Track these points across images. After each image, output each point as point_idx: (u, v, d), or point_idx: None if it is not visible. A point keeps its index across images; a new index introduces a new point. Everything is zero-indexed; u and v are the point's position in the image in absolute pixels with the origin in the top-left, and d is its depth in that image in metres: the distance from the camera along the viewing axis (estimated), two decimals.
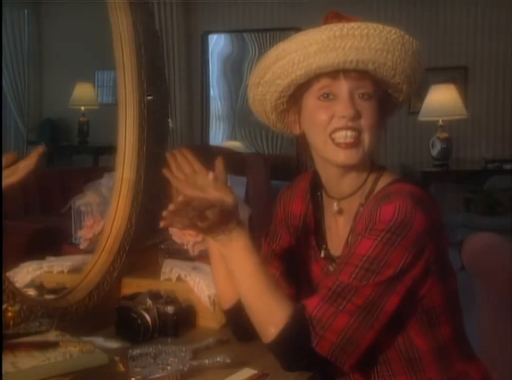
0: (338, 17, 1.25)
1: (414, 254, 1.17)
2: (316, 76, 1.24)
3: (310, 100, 1.26)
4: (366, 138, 1.23)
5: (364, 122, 1.23)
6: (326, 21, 1.25)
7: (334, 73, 1.23)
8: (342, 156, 1.23)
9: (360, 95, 1.24)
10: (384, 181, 1.29)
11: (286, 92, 1.28)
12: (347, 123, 1.22)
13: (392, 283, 1.16)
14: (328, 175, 1.32)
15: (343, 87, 1.23)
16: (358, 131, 1.23)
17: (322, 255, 1.36)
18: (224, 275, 1.36)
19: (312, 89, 1.25)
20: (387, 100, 1.31)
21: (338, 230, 1.34)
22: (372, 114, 1.24)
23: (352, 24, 1.20)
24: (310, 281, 1.38)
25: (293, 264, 1.43)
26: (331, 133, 1.23)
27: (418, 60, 1.26)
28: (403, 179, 1.29)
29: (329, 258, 1.35)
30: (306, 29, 1.24)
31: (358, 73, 1.23)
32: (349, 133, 1.22)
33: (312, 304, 1.18)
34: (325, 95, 1.24)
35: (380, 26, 1.21)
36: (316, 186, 1.40)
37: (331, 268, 1.34)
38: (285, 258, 1.43)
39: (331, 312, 1.16)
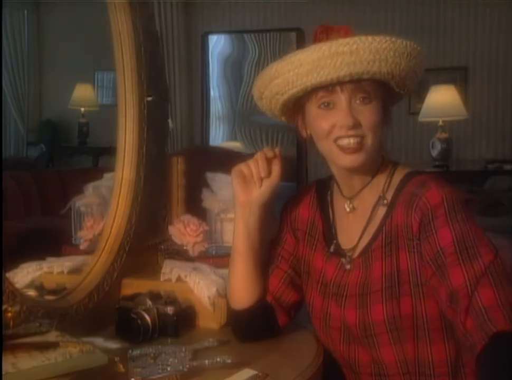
0: (326, 31, 1.26)
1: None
2: (314, 90, 1.26)
3: (312, 108, 1.29)
4: (369, 140, 1.26)
5: (365, 127, 1.25)
6: (315, 37, 1.27)
7: (331, 85, 1.24)
8: (348, 160, 1.27)
9: (360, 100, 1.25)
10: (400, 173, 1.32)
11: (287, 103, 1.32)
12: (347, 132, 1.24)
13: (489, 243, 1.19)
14: (339, 173, 1.35)
15: (340, 97, 1.25)
16: (360, 137, 1.25)
17: (332, 250, 1.37)
18: (243, 274, 1.37)
19: (312, 99, 1.28)
20: (391, 94, 1.31)
21: (349, 226, 1.36)
22: (372, 117, 1.25)
23: (341, 41, 1.21)
24: (326, 283, 1.37)
25: (300, 268, 1.44)
26: (335, 140, 1.26)
27: (415, 58, 1.25)
28: (418, 171, 1.32)
29: (339, 253, 1.36)
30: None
31: (354, 82, 1.24)
32: (351, 140, 1.25)
33: (466, 306, 1.13)
34: (325, 104, 1.27)
35: (370, 38, 1.21)
36: (323, 191, 1.43)
37: (344, 262, 1.34)
38: (291, 262, 1.44)
39: (488, 294, 1.13)
